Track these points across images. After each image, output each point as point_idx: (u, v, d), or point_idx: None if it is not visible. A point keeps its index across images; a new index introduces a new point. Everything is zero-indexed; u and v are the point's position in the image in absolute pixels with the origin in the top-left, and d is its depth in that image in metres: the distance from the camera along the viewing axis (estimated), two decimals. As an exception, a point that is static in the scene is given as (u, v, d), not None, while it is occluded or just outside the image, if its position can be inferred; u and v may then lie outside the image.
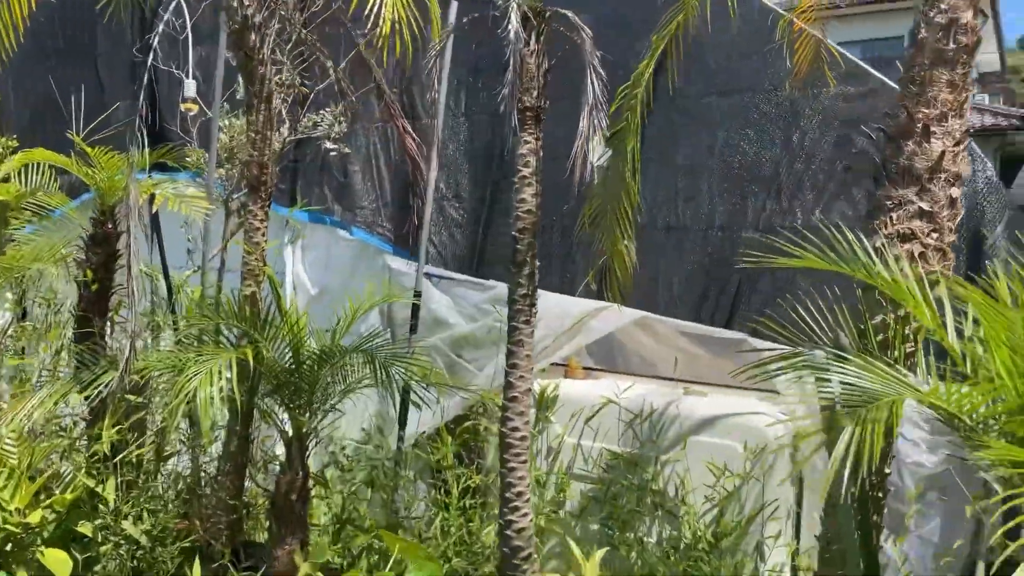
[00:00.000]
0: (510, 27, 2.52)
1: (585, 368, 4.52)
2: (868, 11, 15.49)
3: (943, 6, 2.47)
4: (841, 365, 1.86)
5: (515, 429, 2.99)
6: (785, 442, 3.77)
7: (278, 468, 3.56)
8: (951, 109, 2.43)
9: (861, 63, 4.26)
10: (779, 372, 2.34)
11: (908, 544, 3.62)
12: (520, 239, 2.80)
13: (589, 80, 2.62)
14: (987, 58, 21.54)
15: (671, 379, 4.33)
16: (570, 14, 2.70)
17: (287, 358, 3.40)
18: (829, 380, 1.89)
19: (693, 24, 3.61)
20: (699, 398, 4.09)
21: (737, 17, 4.30)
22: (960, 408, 1.61)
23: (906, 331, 2.36)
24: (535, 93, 2.70)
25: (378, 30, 2.71)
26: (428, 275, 4.83)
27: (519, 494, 2.99)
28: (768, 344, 4.11)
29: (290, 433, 3.39)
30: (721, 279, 4.61)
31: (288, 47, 4.09)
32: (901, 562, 3.56)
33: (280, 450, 3.75)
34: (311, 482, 3.51)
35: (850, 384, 1.75)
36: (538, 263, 2.84)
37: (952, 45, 2.43)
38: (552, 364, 4.50)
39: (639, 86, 3.08)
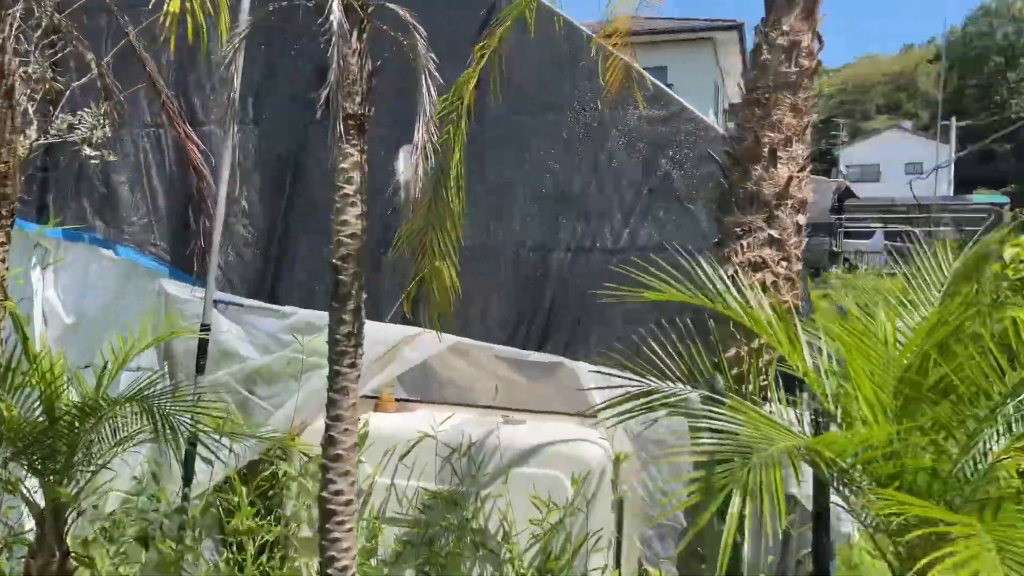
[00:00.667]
0: (331, 19, 2.18)
1: (398, 400, 4.21)
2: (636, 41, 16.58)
3: (785, 28, 2.50)
4: (716, 410, 1.75)
5: (339, 493, 2.62)
6: (608, 468, 3.70)
7: (27, 549, 2.88)
8: (795, 133, 2.45)
9: (664, 87, 4.35)
10: (639, 412, 2.22)
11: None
12: (343, 268, 2.45)
13: (423, 86, 2.35)
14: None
15: (489, 407, 4.13)
16: (400, 10, 2.41)
17: (38, 414, 2.76)
18: (703, 428, 1.78)
19: (505, 40, 3.46)
20: (518, 426, 3.93)
21: (545, 36, 4.24)
22: (838, 453, 1.55)
23: (760, 364, 2.33)
24: (359, 99, 2.38)
25: (161, 19, 2.25)
26: (215, 301, 4.27)
27: (343, 569, 2.60)
28: (585, 365, 4.06)
29: (42, 505, 2.76)
30: (534, 301, 4.50)
31: (38, 35, 3.43)
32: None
33: (30, 524, 3.07)
34: (72, 563, 2.88)
35: (726, 433, 1.65)
36: (365, 295, 2.51)
37: (795, 68, 2.46)
38: (362, 397, 4.14)
39: (463, 96, 2.86)
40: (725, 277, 2.17)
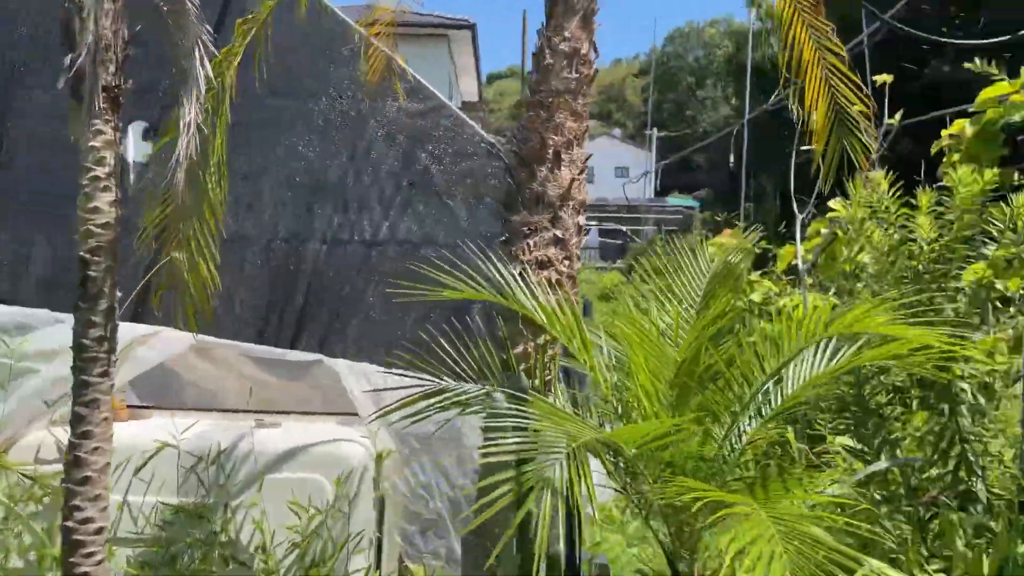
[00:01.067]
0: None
1: (130, 407, 3.75)
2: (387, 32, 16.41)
3: (567, 34, 2.57)
4: (521, 408, 1.76)
5: (87, 521, 2.26)
6: (370, 466, 3.61)
7: None
8: (576, 137, 2.54)
9: (424, 82, 4.33)
10: (431, 411, 2.16)
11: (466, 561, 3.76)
12: (93, 262, 2.10)
13: (196, 58, 2.07)
14: (470, 88, 24.79)
15: (239, 411, 3.84)
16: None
17: None
18: (506, 426, 1.77)
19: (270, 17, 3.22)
20: (272, 430, 3.69)
21: (303, 20, 4.03)
22: (626, 444, 1.63)
23: (545, 359, 2.39)
24: (113, 68, 2.04)
25: None
26: None
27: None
28: (345, 363, 3.92)
29: None
30: (287, 294, 4.27)
31: None
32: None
33: None
34: None
35: (531, 431, 1.66)
36: (119, 293, 2.17)
37: (575, 75, 2.55)
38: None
39: (224, 75, 2.59)
40: (515, 274, 2.20)
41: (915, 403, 3.85)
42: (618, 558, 4.06)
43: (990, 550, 2.76)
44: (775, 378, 1.76)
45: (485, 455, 1.71)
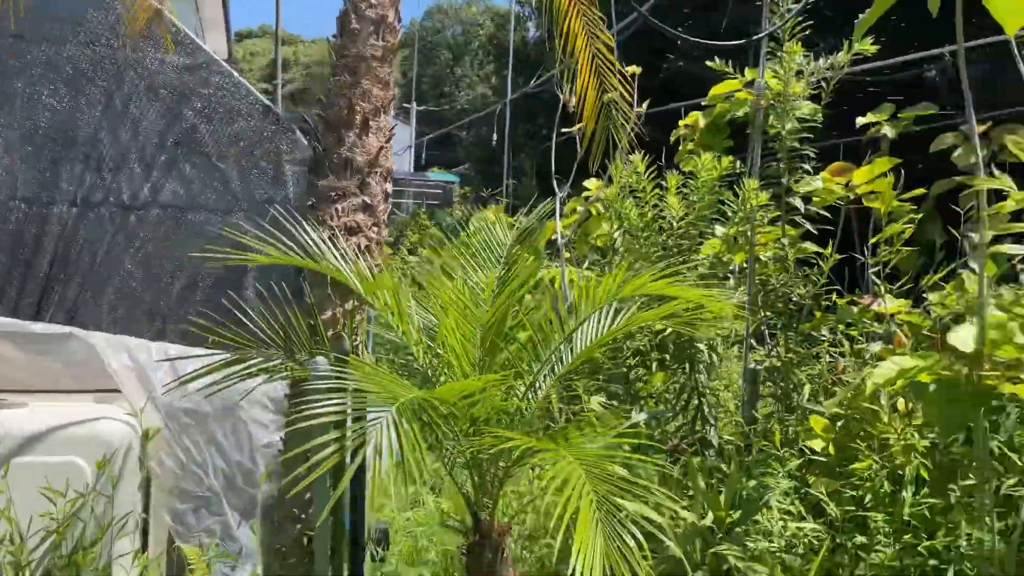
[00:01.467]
0: None
1: None
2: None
3: (373, 1, 2.53)
4: (347, 371, 1.75)
5: None
6: (135, 445, 3.38)
7: None
8: (383, 105, 2.52)
9: (192, 34, 4.06)
10: (237, 378, 2.06)
11: (264, 528, 3.68)
12: None
13: None
14: (218, 46, 23.28)
15: (-27, 391, 3.40)
16: None
17: None
18: (329, 389, 1.75)
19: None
20: (17, 410, 3.32)
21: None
22: (442, 401, 1.71)
23: (354, 324, 2.37)
24: None
25: None
26: None
27: None
28: (102, 335, 3.61)
29: None
30: (28, 261, 3.83)
31: None
32: (258, 547, 3.60)
33: None
34: None
35: (358, 392, 1.66)
36: None
37: (382, 42, 2.52)
38: None
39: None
40: (325, 238, 2.18)
41: (655, 365, 4.34)
42: (394, 521, 4.17)
43: (722, 488, 3.21)
44: (568, 340, 1.94)
45: (294, 422, 1.71)
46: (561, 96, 5.28)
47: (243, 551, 3.59)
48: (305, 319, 2.23)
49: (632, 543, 1.38)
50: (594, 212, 6.71)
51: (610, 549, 1.35)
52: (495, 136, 14.78)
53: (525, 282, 2.01)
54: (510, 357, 1.86)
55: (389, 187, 2.54)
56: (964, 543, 2.90)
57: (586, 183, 6.76)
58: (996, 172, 2.73)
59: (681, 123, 5.73)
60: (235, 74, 4.07)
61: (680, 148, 5.62)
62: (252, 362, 2.09)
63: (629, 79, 3.72)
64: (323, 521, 2.05)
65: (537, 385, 1.92)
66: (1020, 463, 3.10)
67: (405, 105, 39.24)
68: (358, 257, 2.19)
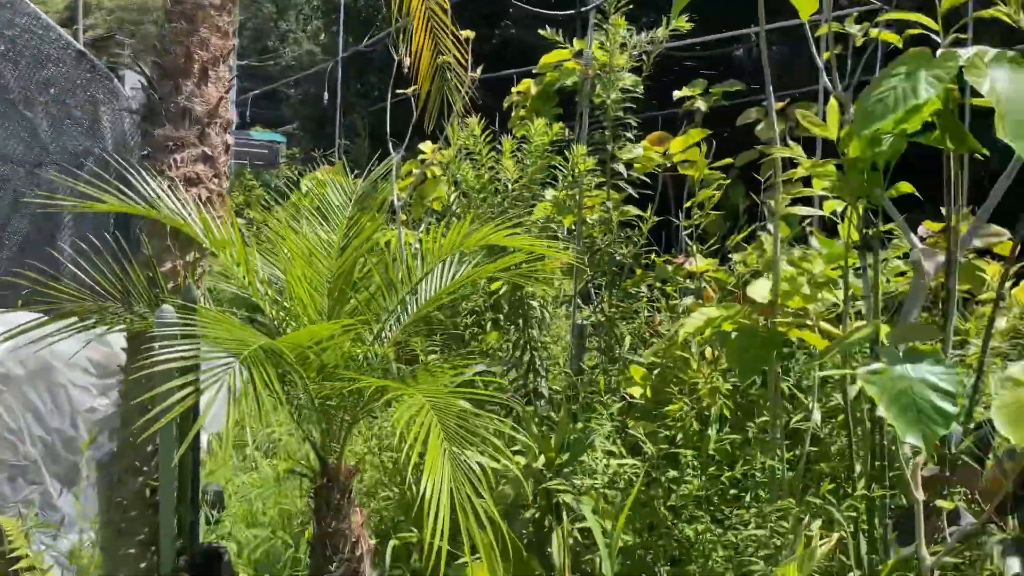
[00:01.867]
0: None
1: None
2: None
3: None
4: (194, 319, 1.70)
5: None
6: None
7: None
8: (221, 56, 2.42)
9: (-11, -33, 3.69)
10: (58, 337, 1.94)
11: (85, 496, 3.52)
12: None
13: None
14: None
15: None
16: None
17: None
18: (176, 336, 1.69)
19: None
20: None
21: None
22: (290, 349, 1.72)
23: (195, 277, 2.28)
24: None
25: None
26: None
27: None
28: None
29: None
30: None
31: None
32: (80, 515, 3.44)
33: None
34: None
35: (209, 339, 1.63)
36: None
37: None
38: None
39: None
40: (165, 187, 2.10)
41: (489, 324, 4.52)
42: (228, 485, 4.11)
43: (552, 433, 3.44)
44: (413, 290, 2.03)
45: (136, 371, 1.68)
46: (396, 56, 5.28)
47: (65, 520, 3.42)
48: (143, 271, 2.16)
49: (477, 468, 1.51)
50: (430, 175, 6.77)
51: (457, 473, 1.47)
52: (326, 95, 14.36)
53: (371, 236, 2.07)
54: (358, 307, 1.91)
55: (230, 139, 2.50)
56: (759, 472, 3.30)
57: (421, 146, 6.79)
58: (790, 143, 3.08)
59: (514, 89, 5.89)
60: (43, 15, 3.76)
61: (513, 114, 5.78)
62: (70, 321, 1.99)
63: (463, 42, 3.81)
64: (170, 470, 2.02)
65: (384, 334, 1.99)
66: (806, 401, 3.55)
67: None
68: (200, 208, 2.15)
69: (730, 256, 4.60)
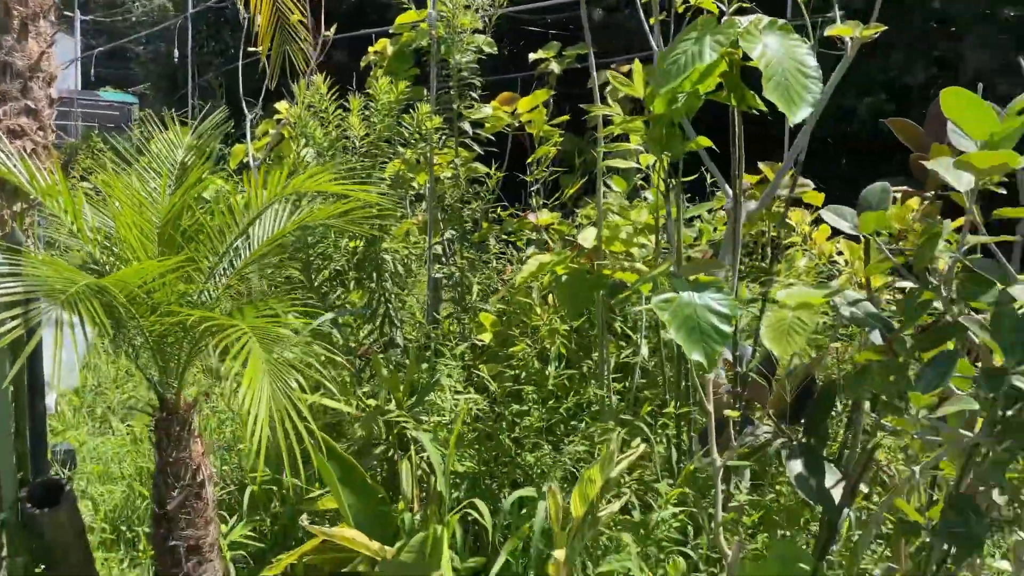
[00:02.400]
0: None
1: None
2: None
3: None
4: (20, 260, 1.73)
5: None
6: None
7: None
8: (42, 10, 2.39)
9: None
10: None
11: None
12: None
13: None
14: None
15: None
16: None
17: None
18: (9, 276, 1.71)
19: None
20: None
21: None
22: (120, 289, 1.79)
23: (23, 226, 2.28)
24: None
25: None
26: None
27: None
28: None
29: None
30: None
31: None
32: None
33: None
34: None
35: (35, 278, 1.67)
36: None
37: None
38: None
39: None
40: None
41: (352, 284, 4.65)
42: (83, 447, 4.09)
43: (402, 375, 3.65)
44: (245, 235, 2.14)
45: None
46: (245, 14, 5.23)
47: None
48: (-31, 225, 2.17)
49: (296, 386, 1.68)
50: (286, 135, 6.74)
51: (275, 391, 1.63)
52: (176, 52, 13.73)
53: (200, 179, 2.16)
54: (189, 253, 2.01)
55: (53, 92, 2.50)
56: (593, 403, 3.62)
57: (277, 105, 6.74)
58: (611, 103, 3.36)
59: (371, 49, 5.94)
60: None
61: (371, 74, 5.85)
62: None
63: (315, 6, 3.87)
64: (5, 404, 2.06)
65: (217, 275, 2.10)
66: (635, 338, 3.91)
67: (68, 14, 34.36)
68: (25, 159, 2.16)
69: (575, 210, 4.91)
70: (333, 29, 6.68)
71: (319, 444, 2.41)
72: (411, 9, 5.14)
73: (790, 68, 2.39)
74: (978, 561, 3.13)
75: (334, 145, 4.00)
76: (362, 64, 5.94)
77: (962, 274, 2.33)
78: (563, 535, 2.20)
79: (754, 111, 2.68)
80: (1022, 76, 3.13)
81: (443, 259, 4.67)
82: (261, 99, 7.11)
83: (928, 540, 2.42)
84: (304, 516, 2.62)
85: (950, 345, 2.29)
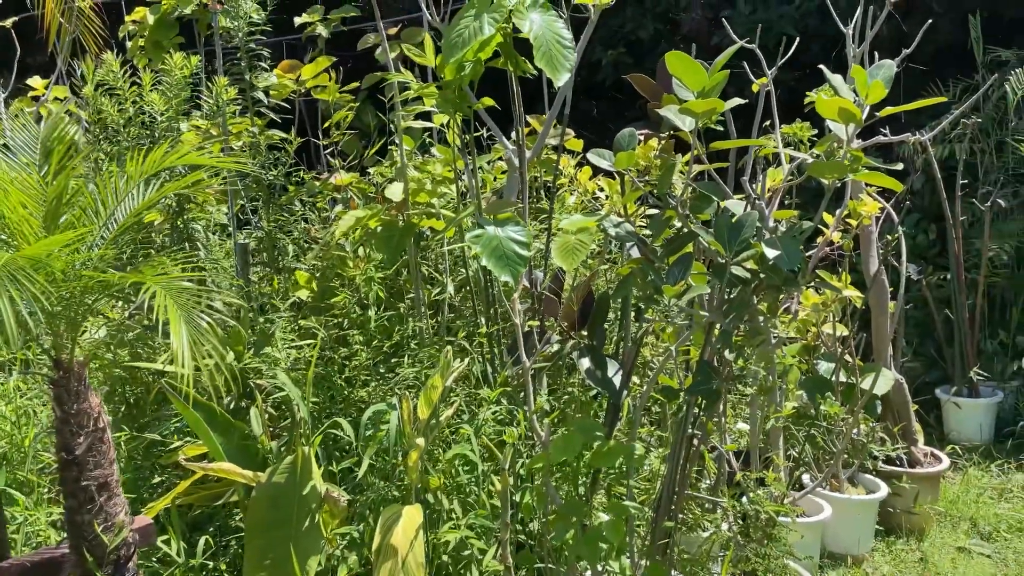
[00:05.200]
0: None
1: None
2: None
3: None
4: None
5: None
6: None
7: None
8: None
9: None
10: None
11: None
12: None
13: None
14: None
15: None
16: None
17: None
18: None
19: None
20: None
21: None
22: (31, 262, 1.94)
23: None
24: None
25: None
26: None
27: None
28: None
29: None
30: None
31: None
32: None
33: None
34: None
35: None
36: None
37: None
38: None
39: None
40: None
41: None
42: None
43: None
44: (115, 209, 2.33)
45: None
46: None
47: None
48: None
49: (206, 326, 2.00)
50: (44, 113, 6.44)
51: (191, 332, 1.95)
52: None
53: (68, 163, 2.31)
54: (73, 224, 2.18)
55: None
56: (413, 337, 4.11)
57: (29, 81, 6.40)
58: (402, 69, 3.79)
59: (128, 18, 5.83)
60: None
61: (131, 44, 5.75)
62: None
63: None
64: None
65: (95, 247, 2.30)
66: (442, 280, 4.43)
67: None
68: None
69: (368, 170, 5.29)
70: (89, -4, 6.40)
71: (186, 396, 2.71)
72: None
73: (552, 40, 2.97)
74: (724, 421, 4.05)
75: (131, 122, 4.08)
76: (120, 34, 5.82)
77: (691, 195, 3.08)
78: (415, 433, 2.70)
79: (529, 75, 3.25)
80: (731, 30, 3.94)
81: (250, 225, 4.89)
82: (13, 73, 6.68)
83: (682, 400, 3.20)
84: (180, 457, 2.89)
85: (689, 248, 3.04)
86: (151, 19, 5.65)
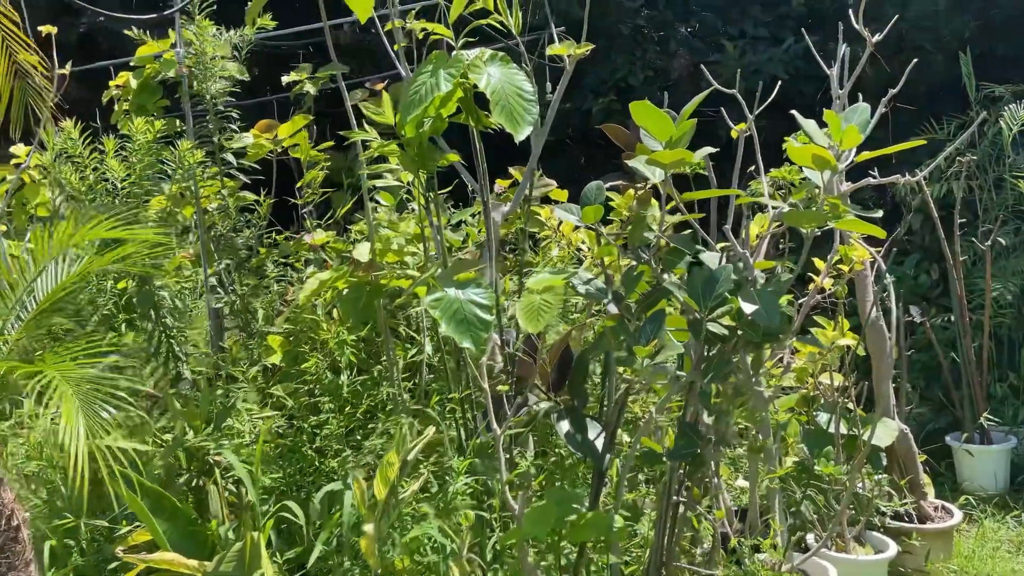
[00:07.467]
0: None
1: None
2: None
3: None
4: None
5: None
6: None
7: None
8: None
9: None
10: None
11: None
12: None
13: None
14: None
15: None
16: None
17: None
18: None
19: None
20: None
21: None
22: None
23: None
24: None
25: None
26: None
27: None
28: None
29: None
30: None
31: None
32: None
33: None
34: None
35: None
36: None
37: None
38: None
39: None
40: None
41: (124, 326, 4.58)
42: None
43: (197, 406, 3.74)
44: (30, 290, 2.19)
45: None
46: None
47: None
48: None
49: (108, 416, 1.83)
50: (27, 180, 6.37)
51: (90, 421, 1.78)
52: None
53: None
54: None
55: None
56: (386, 402, 3.92)
57: (13, 149, 6.34)
58: (367, 127, 3.67)
59: (112, 83, 5.77)
60: None
61: (116, 108, 5.69)
62: None
63: (34, 45, 3.82)
64: None
65: (6, 331, 2.16)
66: (419, 339, 4.25)
67: None
68: None
69: (348, 227, 5.16)
70: (69, 65, 6.38)
71: (130, 482, 2.53)
72: (150, 41, 5.10)
73: (511, 93, 2.84)
74: (715, 481, 3.82)
75: (93, 188, 3.97)
76: (104, 99, 5.76)
77: (664, 248, 2.91)
78: (371, 515, 2.50)
79: (491, 130, 3.12)
80: (709, 76, 3.83)
81: (222, 289, 4.74)
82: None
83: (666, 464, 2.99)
84: (119, 549, 2.69)
85: (663, 305, 2.86)
86: (134, 83, 5.59)
